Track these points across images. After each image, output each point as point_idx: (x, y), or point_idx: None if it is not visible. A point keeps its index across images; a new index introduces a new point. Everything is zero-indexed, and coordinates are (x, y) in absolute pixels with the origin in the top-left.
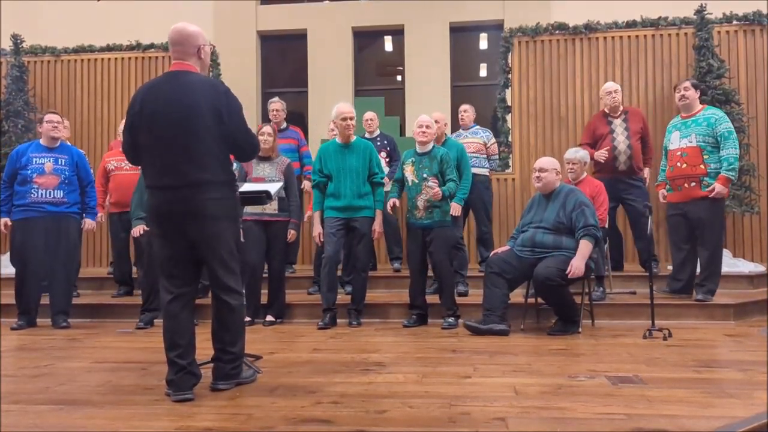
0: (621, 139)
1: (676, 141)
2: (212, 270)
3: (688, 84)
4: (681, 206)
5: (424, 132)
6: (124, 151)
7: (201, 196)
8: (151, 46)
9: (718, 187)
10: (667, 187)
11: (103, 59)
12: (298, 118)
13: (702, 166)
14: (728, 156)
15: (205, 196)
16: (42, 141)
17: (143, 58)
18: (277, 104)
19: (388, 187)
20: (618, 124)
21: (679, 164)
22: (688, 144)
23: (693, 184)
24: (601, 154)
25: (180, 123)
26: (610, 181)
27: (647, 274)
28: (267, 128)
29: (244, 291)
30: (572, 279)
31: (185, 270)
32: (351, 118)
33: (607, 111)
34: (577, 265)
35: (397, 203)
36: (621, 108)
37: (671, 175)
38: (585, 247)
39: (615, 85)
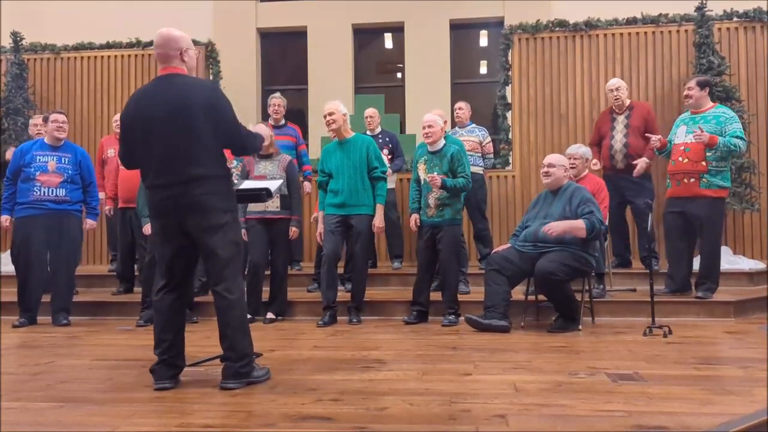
0: (618, 137)
1: (681, 135)
2: (210, 263)
3: (692, 83)
4: (680, 203)
5: (426, 133)
6: (120, 157)
7: (198, 190)
8: (151, 43)
9: (705, 136)
10: (668, 181)
11: (102, 57)
12: (298, 115)
13: (703, 163)
14: (734, 140)
15: (201, 190)
16: (46, 140)
17: (143, 55)
18: (278, 99)
19: (391, 184)
20: (620, 122)
21: (681, 159)
22: (693, 139)
23: (692, 179)
24: (594, 164)
25: (174, 122)
26: (612, 179)
27: (647, 271)
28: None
29: (244, 286)
30: (573, 274)
31: (180, 267)
32: (329, 114)
33: (613, 107)
34: (554, 226)
35: (418, 220)
36: (627, 104)
37: (672, 169)
38: (577, 222)
39: (617, 81)
